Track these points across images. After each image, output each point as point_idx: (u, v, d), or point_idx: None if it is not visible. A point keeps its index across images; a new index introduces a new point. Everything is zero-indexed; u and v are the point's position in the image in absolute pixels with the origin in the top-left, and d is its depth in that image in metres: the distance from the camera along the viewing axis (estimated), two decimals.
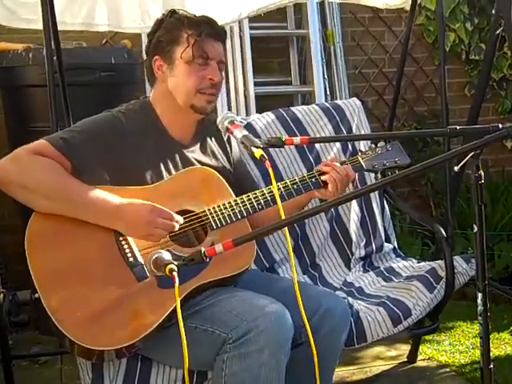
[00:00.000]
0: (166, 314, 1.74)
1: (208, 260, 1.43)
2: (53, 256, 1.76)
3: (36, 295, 1.71)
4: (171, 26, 1.95)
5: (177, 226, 1.81)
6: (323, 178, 1.99)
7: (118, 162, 1.87)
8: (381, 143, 2.09)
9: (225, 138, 2.13)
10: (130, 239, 1.82)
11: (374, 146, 2.10)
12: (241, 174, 2.16)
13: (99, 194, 1.80)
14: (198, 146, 2.05)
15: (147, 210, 1.79)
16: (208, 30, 1.93)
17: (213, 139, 2.10)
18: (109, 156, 1.86)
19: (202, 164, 2.02)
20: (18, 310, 3.37)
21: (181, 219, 1.83)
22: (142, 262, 1.79)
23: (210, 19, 1.99)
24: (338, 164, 2.00)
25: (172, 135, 1.99)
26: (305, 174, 2.01)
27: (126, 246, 1.81)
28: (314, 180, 1.99)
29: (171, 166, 1.96)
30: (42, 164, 1.80)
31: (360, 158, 2.07)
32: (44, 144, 1.85)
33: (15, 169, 1.79)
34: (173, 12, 2.00)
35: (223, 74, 2.00)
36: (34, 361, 3.04)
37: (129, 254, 1.80)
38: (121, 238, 1.81)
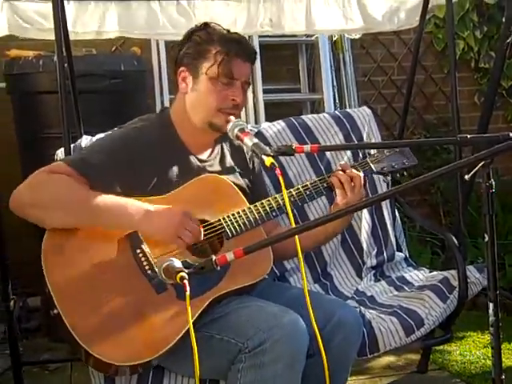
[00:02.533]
0: (186, 328, 1.71)
1: (218, 268, 1.43)
2: (70, 271, 1.75)
3: (55, 311, 1.71)
4: (201, 40, 1.93)
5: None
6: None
7: (136, 178, 1.86)
8: None
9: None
10: (147, 251, 1.80)
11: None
12: (260, 183, 2.16)
13: (120, 199, 1.80)
14: (217, 160, 2.04)
15: (179, 212, 1.79)
16: (237, 49, 1.90)
17: (232, 149, 2.09)
18: (125, 173, 1.85)
19: None
20: (29, 317, 3.38)
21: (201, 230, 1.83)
22: None
23: (242, 38, 1.97)
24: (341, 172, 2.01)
25: (190, 150, 1.98)
26: (316, 179, 2.01)
27: (143, 259, 1.79)
28: (325, 185, 2.00)
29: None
30: (61, 179, 1.80)
31: (369, 161, 2.08)
32: (60, 164, 1.85)
33: (32, 189, 1.79)
34: (205, 25, 1.97)
35: (247, 95, 1.97)
36: (44, 367, 3.04)
37: (147, 267, 1.79)
38: (138, 251, 1.80)
